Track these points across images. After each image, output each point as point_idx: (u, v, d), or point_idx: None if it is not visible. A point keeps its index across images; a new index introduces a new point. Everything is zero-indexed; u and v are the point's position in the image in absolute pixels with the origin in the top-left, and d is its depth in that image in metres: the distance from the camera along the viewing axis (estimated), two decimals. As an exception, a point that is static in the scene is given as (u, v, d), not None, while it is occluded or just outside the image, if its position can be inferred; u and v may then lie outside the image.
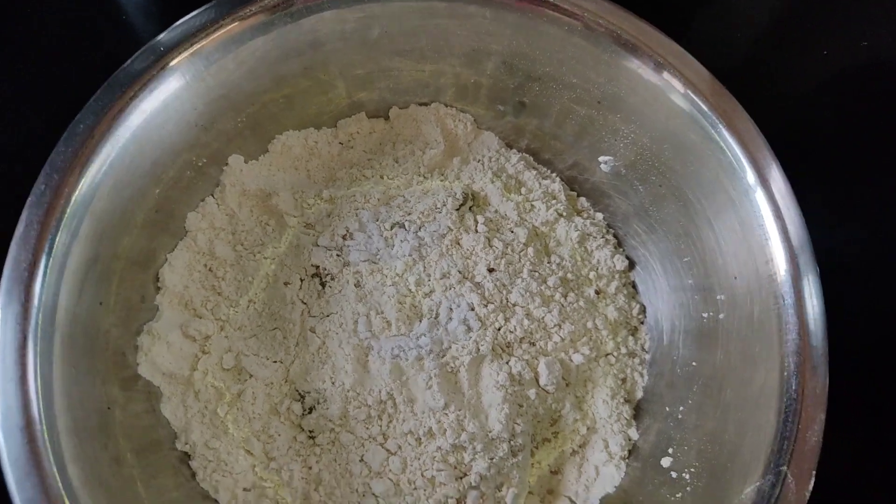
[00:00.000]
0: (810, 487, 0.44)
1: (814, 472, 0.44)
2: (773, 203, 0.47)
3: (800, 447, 0.44)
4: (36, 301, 0.42)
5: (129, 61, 0.47)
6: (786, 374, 0.46)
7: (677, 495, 0.50)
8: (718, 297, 0.52)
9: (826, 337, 0.45)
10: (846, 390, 0.47)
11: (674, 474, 0.51)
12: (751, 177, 0.48)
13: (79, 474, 0.41)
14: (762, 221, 0.48)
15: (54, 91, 0.60)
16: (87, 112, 0.45)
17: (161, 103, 0.47)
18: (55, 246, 0.44)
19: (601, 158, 0.58)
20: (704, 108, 0.50)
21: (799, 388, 0.45)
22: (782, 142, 0.49)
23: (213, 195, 0.55)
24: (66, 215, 0.44)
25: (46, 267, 0.43)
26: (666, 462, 0.52)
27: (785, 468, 0.44)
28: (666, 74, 0.51)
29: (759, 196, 0.48)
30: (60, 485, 0.40)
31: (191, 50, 0.48)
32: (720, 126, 0.49)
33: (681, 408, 0.53)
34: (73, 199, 0.44)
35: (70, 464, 0.41)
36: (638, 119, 0.54)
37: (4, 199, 0.45)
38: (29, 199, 0.43)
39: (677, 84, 0.50)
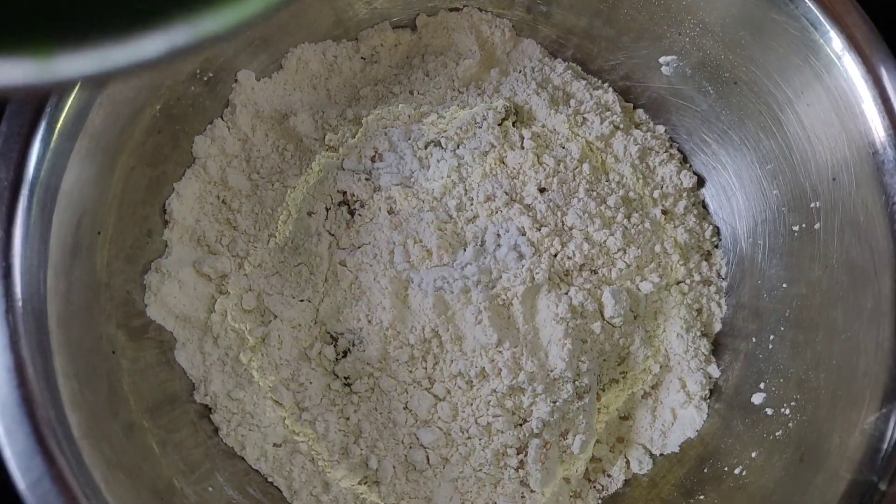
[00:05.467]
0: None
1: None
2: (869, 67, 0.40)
3: (931, 365, 0.37)
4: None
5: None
6: (905, 281, 0.39)
7: (777, 433, 0.43)
8: (813, 205, 0.45)
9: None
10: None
11: (769, 411, 0.44)
12: (837, 43, 0.41)
13: (79, 424, 0.35)
14: (857, 93, 0.40)
15: None
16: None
17: None
18: (43, 165, 0.37)
19: (662, 59, 0.50)
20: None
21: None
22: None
23: (222, 117, 0.49)
24: (56, 131, 0.38)
25: (34, 187, 0.37)
26: (758, 399, 0.45)
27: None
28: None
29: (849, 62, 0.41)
30: (60, 434, 0.34)
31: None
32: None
33: (771, 337, 0.47)
34: (63, 111, 0.38)
35: (70, 412, 0.35)
36: (708, 4, 0.46)
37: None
38: (7, 109, 0.37)
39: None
